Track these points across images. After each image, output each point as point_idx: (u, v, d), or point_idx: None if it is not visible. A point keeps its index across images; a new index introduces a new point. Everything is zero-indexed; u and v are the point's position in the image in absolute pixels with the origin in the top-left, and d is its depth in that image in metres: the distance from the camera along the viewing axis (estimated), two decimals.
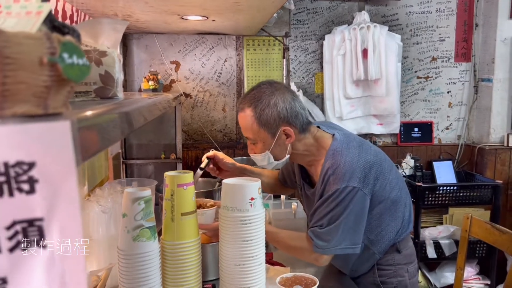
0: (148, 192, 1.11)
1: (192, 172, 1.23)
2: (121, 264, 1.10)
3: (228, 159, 1.68)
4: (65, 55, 0.36)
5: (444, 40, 3.09)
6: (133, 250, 1.08)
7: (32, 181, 0.32)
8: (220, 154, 1.69)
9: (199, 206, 1.52)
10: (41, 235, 0.33)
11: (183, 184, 1.19)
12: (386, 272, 1.53)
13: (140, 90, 2.72)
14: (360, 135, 2.46)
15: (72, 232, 0.34)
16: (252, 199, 1.19)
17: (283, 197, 2.24)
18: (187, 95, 2.89)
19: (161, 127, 2.82)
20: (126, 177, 2.70)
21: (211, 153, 1.68)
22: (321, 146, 1.48)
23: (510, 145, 2.99)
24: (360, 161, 1.40)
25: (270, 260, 1.69)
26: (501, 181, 2.85)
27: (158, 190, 2.17)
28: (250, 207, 1.19)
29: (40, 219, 0.33)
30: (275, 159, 1.48)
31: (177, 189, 1.18)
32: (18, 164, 0.32)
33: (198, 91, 2.90)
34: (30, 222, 0.33)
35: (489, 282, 2.89)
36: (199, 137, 2.95)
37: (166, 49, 2.84)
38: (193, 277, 1.19)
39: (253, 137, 1.45)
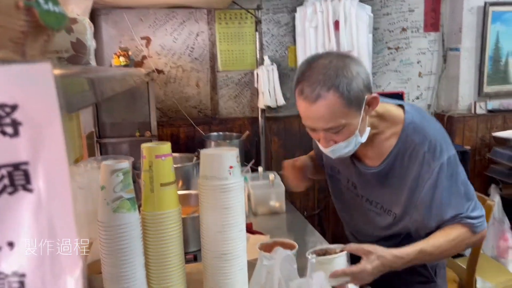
0: (126, 164, 1.10)
1: (169, 143, 1.22)
2: (102, 237, 1.10)
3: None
4: (41, 0, 0.36)
5: (413, 10, 3.13)
6: (113, 221, 1.07)
7: (15, 124, 0.32)
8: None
9: (325, 254, 1.27)
10: (27, 179, 0.33)
11: (161, 155, 1.19)
12: None
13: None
14: None
15: (58, 176, 0.34)
16: (231, 167, 1.20)
17: (260, 169, 2.26)
18: (159, 71, 2.85)
19: (134, 104, 2.77)
20: (101, 155, 2.66)
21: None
22: (386, 117, 1.31)
23: (477, 112, 3.09)
24: (442, 128, 1.32)
25: (250, 230, 1.72)
26: (469, 147, 2.96)
27: (135, 168, 2.15)
28: (229, 175, 1.20)
29: (25, 163, 0.33)
30: (361, 136, 1.26)
31: (155, 160, 1.17)
32: (1, 106, 0.32)
33: (170, 67, 2.86)
34: (16, 166, 0.33)
35: None
36: (173, 114, 2.92)
37: (136, 24, 2.77)
38: (175, 247, 1.20)
39: (339, 124, 1.18)
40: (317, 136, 1.26)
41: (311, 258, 0.99)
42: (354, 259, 1.22)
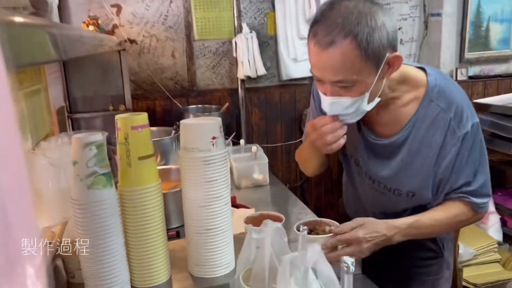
0: (99, 137, 1.01)
1: (145, 113, 1.13)
2: (76, 215, 1.02)
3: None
4: None
5: None
6: (88, 198, 0.99)
7: None
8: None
9: (314, 229, 1.21)
10: None
11: (137, 126, 1.10)
12: None
13: None
14: None
15: (6, 138, 0.26)
16: (214, 138, 1.13)
17: (242, 142, 2.19)
18: (132, 41, 2.70)
19: (106, 77, 2.63)
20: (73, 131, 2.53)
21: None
22: (405, 80, 1.16)
23: (458, 79, 3.07)
24: (465, 92, 1.20)
25: (234, 203, 1.66)
26: None
27: (110, 143, 2.04)
28: (212, 147, 1.12)
29: None
30: (368, 102, 1.09)
31: (131, 132, 1.09)
32: None
33: (143, 36, 2.71)
34: None
35: None
36: (148, 86, 2.79)
37: None
38: (156, 223, 1.13)
39: (350, 79, 1.04)
40: (323, 89, 1.11)
41: (302, 230, 0.94)
42: None
